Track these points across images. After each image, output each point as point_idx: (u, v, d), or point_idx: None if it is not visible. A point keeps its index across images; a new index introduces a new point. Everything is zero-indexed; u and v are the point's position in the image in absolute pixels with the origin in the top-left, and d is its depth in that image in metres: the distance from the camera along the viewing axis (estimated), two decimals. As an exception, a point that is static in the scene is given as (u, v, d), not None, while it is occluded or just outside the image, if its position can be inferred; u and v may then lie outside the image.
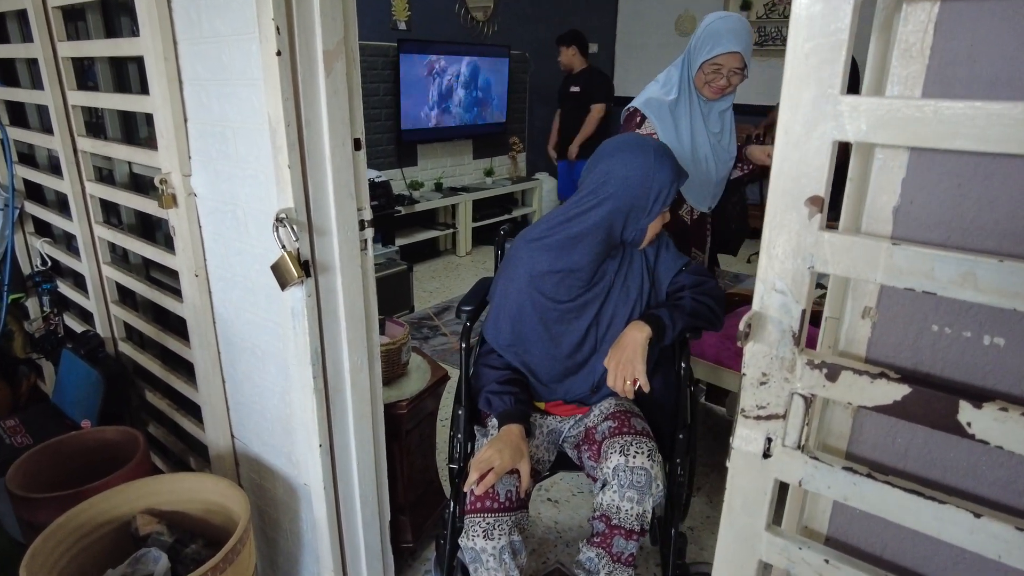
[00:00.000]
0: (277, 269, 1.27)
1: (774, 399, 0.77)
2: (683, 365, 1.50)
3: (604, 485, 1.34)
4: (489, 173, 5.43)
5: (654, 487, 1.31)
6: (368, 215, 1.37)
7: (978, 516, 0.67)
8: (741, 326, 0.73)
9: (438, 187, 4.97)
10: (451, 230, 5.01)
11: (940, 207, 0.68)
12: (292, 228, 1.25)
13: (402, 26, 4.54)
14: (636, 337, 1.37)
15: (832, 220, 0.72)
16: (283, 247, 1.25)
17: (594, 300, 1.48)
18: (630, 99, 1.92)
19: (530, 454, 1.43)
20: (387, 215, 3.95)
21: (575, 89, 4.52)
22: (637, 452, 1.33)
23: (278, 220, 1.23)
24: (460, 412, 1.54)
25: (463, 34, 5.03)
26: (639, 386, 1.34)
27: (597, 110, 4.42)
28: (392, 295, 3.66)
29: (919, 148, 0.68)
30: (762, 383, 0.77)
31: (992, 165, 0.65)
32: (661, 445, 1.49)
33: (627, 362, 1.35)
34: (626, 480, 1.31)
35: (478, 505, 1.33)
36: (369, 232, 1.39)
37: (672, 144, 1.82)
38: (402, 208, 4.36)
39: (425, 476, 1.94)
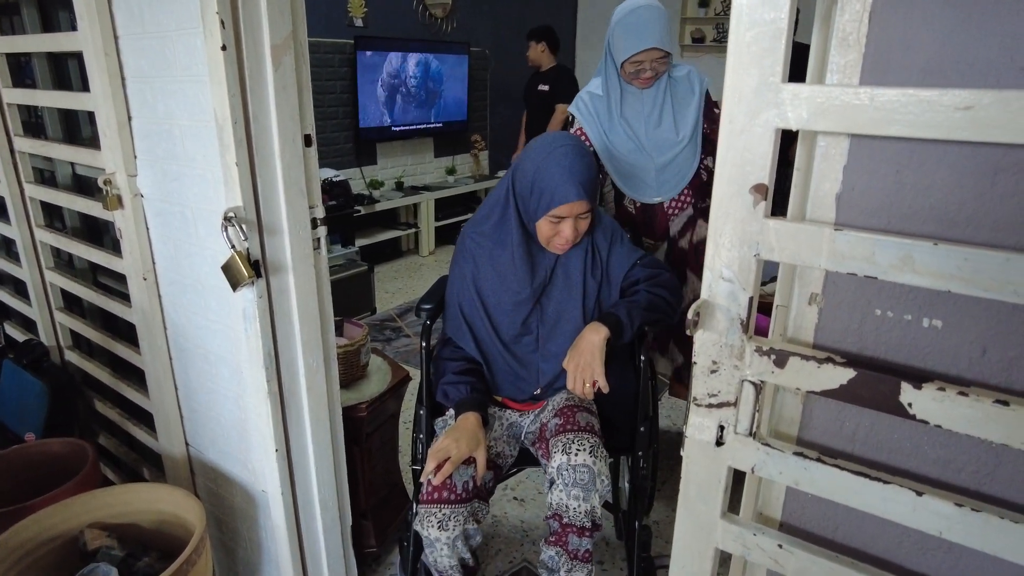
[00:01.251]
0: (227, 270, 1.25)
1: (725, 387, 0.78)
2: (642, 358, 1.52)
3: (552, 484, 1.35)
4: (451, 171, 5.41)
5: (599, 483, 1.31)
6: (321, 213, 1.36)
7: (920, 494, 0.69)
8: (690, 314, 0.74)
9: (399, 186, 4.93)
10: (413, 230, 4.98)
11: (880, 193, 0.70)
12: (241, 227, 1.23)
13: (359, 23, 4.50)
14: (593, 340, 1.38)
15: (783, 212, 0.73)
16: (232, 247, 1.23)
17: (531, 296, 1.48)
18: None
19: (488, 445, 1.44)
20: (346, 215, 3.91)
21: (543, 88, 4.46)
22: (579, 449, 1.33)
23: (227, 219, 1.21)
24: (421, 412, 1.55)
25: (421, 31, 5.01)
26: (598, 387, 1.35)
27: (561, 110, 4.37)
28: (353, 296, 3.62)
29: (858, 135, 0.70)
30: (712, 371, 0.78)
31: (926, 151, 0.67)
32: (619, 439, 1.51)
33: (586, 365, 1.36)
34: (570, 478, 1.31)
35: (435, 496, 1.33)
36: (322, 231, 1.38)
37: (599, 140, 1.82)
38: (362, 208, 4.32)
39: (388, 479, 1.92)
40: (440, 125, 5.10)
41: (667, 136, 1.83)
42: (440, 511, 1.33)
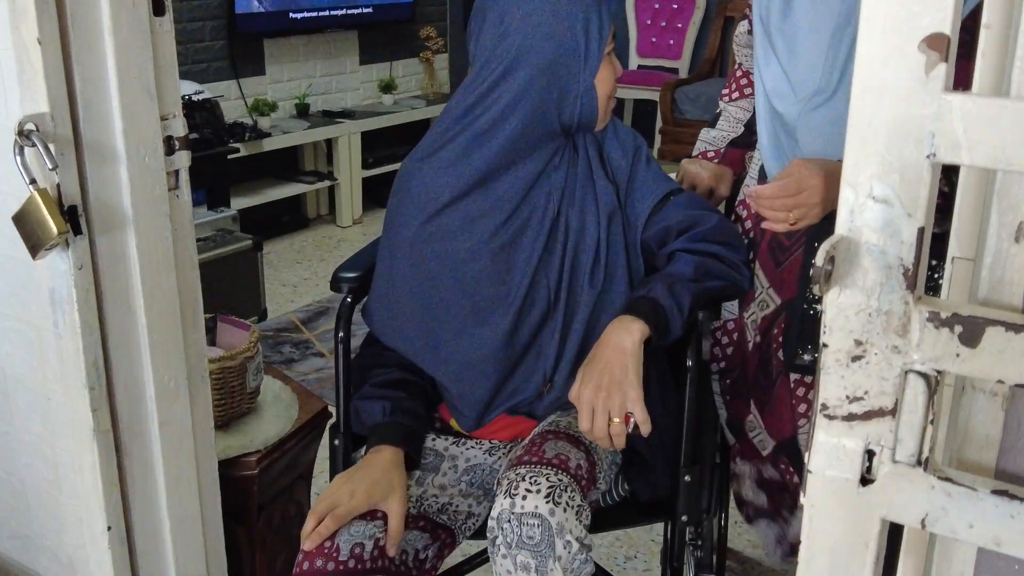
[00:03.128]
0: (23, 221, 1.26)
1: (876, 384, 0.76)
2: (691, 363, 1.55)
3: (492, 545, 1.39)
4: (388, 87, 5.40)
5: (559, 545, 1.33)
6: (181, 129, 1.38)
7: None
8: (819, 259, 0.72)
9: (301, 110, 4.91)
10: (326, 183, 4.96)
11: None
12: (47, 148, 1.23)
13: None
14: (622, 345, 1.40)
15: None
16: (31, 182, 1.24)
17: (534, 239, 1.55)
18: None
19: (426, 497, 1.53)
20: (216, 156, 3.86)
21: None
22: (529, 490, 1.35)
23: (22, 135, 1.22)
24: (337, 442, 1.62)
25: None
26: (633, 426, 1.38)
27: None
28: (228, 291, 3.61)
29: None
30: (855, 357, 0.77)
31: None
32: (653, 491, 1.58)
33: (613, 388, 1.38)
34: (512, 535, 1.34)
35: (305, 567, 1.38)
36: (183, 159, 1.39)
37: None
38: (241, 146, 4.29)
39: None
40: (369, 11, 5.08)
41: None
42: None
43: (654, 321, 1.42)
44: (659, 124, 5.53)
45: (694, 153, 1.97)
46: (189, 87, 3.99)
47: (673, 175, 1.91)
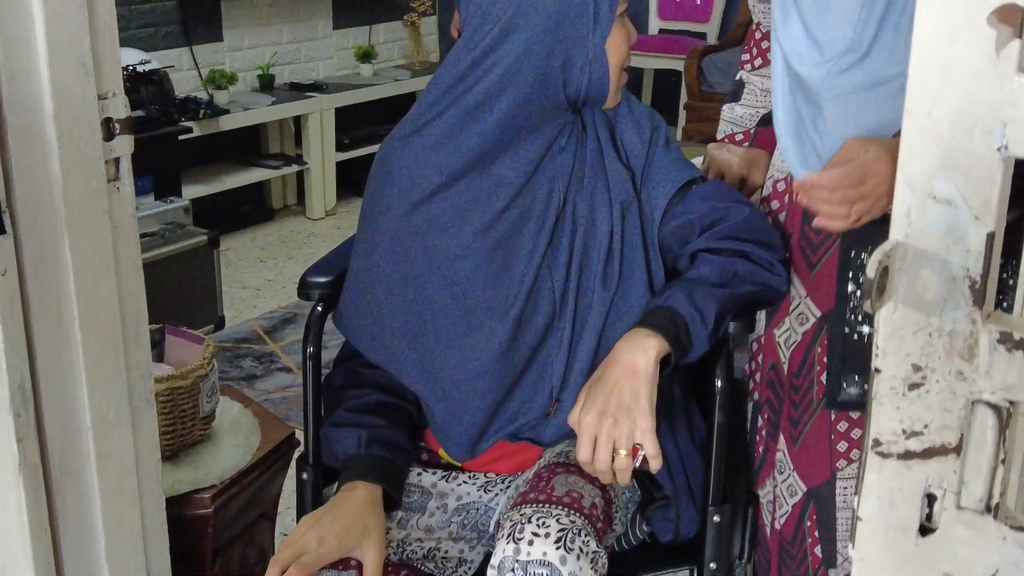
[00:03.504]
0: None
1: (937, 416, 0.77)
2: (720, 384, 1.55)
3: None
4: (366, 56, 5.42)
5: None
6: (122, 109, 1.38)
7: None
8: (870, 270, 0.72)
9: (265, 83, 4.93)
10: (294, 167, 4.99)
11: None
12: None
13: None
14: (634, 363, 1.40)
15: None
16: None
17: (536, 232, 1.55)
18: None
19: (409, 541, 1.55)
20: (165, 137, 3.88)
21: None
22: (536, 534, 1.37)
23: None
24: (305, 476, 1.64)
25: None
26: (641, 460, 1.38)
27: None
28: (178, 297, 3.62)
29: None
30: (913, 385, 0.76)
31: None
32: (677, 533, 1.58)
33: (621, 415, 1.38)
34: None
35: None
36: (125, 144, 1.39)
37: None
38: (194, 124, 4.30)
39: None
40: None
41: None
42: None
43: (673, 335, 1.42)
44: (684, 99, 5.53)
45: (719, 136, 1.95)
46: (133, 56, 3.98)
47: (699, 161, 1.91)
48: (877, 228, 1.39)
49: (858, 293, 1.46)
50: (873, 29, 1.51)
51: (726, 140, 1.92)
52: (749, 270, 1.51)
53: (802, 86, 1.60)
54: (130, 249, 1.43)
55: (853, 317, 1.54)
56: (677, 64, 5.52)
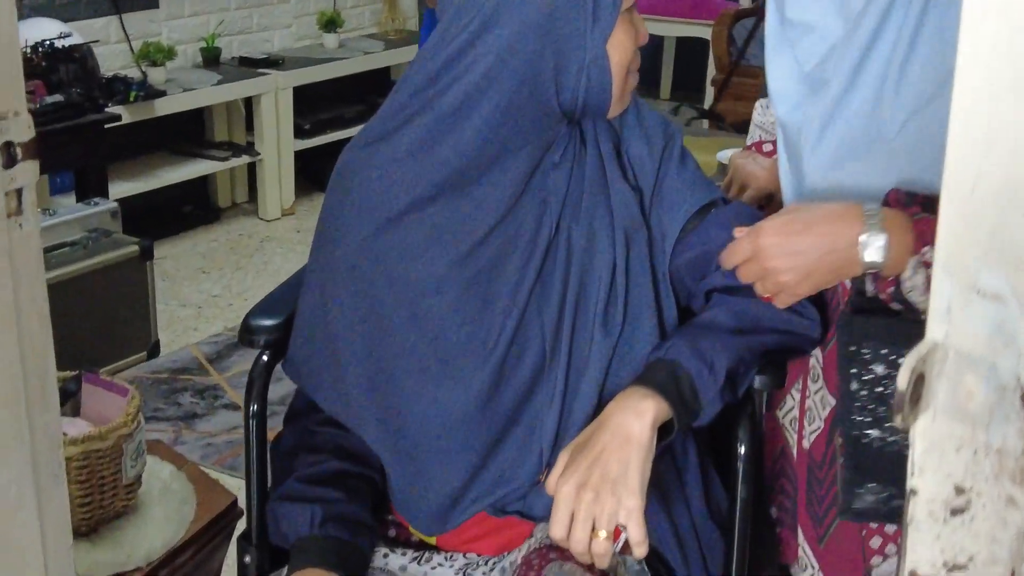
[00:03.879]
0: None
1: (984, 547, 0.77)
2: (743, 450, 1.56)
3: None
4: (331, 24, 5.46)
5: None
6: (25, 131, 1.34)
7: None
8: (901, 380, 0.72)
9: (210, 58, 4.99)
10: (244, 158, 5.04)
11: None
12: None
13: None
14: (627, 429, 1.41)
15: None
16: None
17: (523, 264, 1.56)
18: None
19: None
20: (89, 126, 3.93)
21: None
22: None
23: None
24: (247, 559, 1.67)
25: None
26: (623, 543, 1.38)
27: None
28: (103, 319, 3.64)
29: None
30: (956, 510, 0.76)
31: None
32: None
33: (605, 489, 1.38)
34: None
35: None
36: (28, 172, 1.35)
37: None
38: (124, 109, 4.35)
39: None
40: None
41: None
42: None
43: (675, 395, 1.42)
44: (711, 73, 5.53)
45: (748, 142, 1.96)
46: (50, 28, 3.99)
47: (725, 155, 1.90)
48: (875, 320, 1.39)
49: (862, 392, 1.44)
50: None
51: (753, 148, 1.92)
52: (772, 314, 1.51)
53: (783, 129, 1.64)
54: (35, 296, 1.41)
55: (859, 419, 1.51)
56: (704, 31, 5.53)
